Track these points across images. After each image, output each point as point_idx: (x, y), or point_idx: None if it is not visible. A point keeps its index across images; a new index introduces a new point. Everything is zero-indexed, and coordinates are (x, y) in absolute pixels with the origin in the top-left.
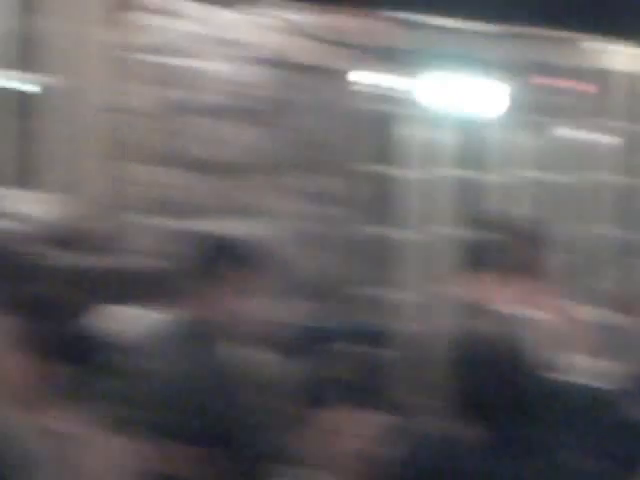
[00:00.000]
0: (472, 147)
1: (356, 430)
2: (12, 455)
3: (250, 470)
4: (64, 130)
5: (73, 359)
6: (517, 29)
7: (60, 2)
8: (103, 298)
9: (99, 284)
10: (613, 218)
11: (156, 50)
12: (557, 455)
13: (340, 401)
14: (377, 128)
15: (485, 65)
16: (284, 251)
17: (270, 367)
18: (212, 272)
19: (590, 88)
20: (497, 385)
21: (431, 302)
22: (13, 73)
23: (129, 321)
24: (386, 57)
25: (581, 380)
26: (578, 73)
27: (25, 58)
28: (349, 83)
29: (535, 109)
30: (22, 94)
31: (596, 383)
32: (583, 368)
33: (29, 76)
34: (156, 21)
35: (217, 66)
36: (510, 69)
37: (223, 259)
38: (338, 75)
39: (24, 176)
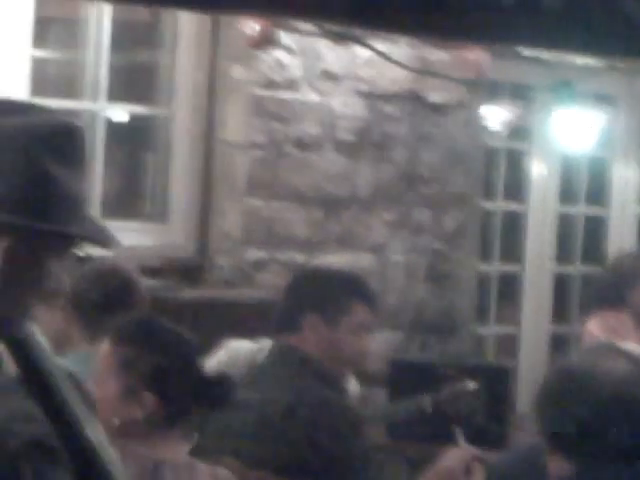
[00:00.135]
0: (594, 183)
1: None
2: None
3: None
4: (191, 165)
5: (189, 394)
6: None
7: (188, 37)
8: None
9: (215, 316)
10: None
11: (283, 86)
12: None
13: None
14: (506, 164)
15: (602, 100)
16: (393, 285)
17: (375, 404)
18: (337, 306)
19: None
20: (629, 427)
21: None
22: (134, 106)
23: (242, 354)
24: (515, 93)
25: None
26: None
27: (148, 91)
28: (478, 118)
29: None
30: (144, 127)
31: None
32: None
33: (153, 109)
34: (284, 57)
35: (341, 102)
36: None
37: (350, 293)
38: (466, 111)
39: (137, 207)
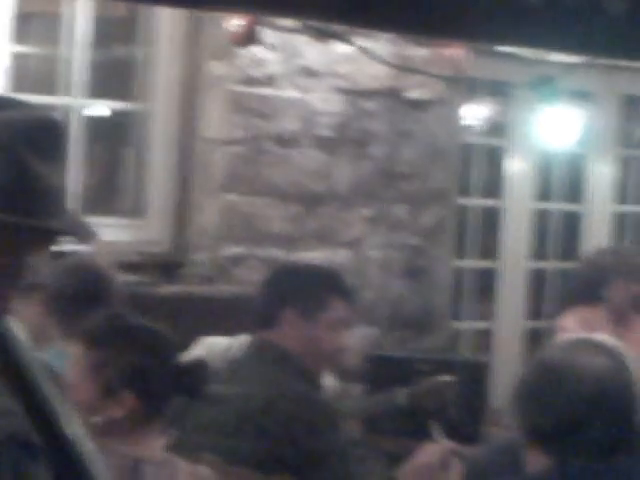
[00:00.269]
0: (571, 180)
1: (450, 463)
2: None
3: None
4: (169, 161)
5: (168, 388)
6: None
7: (167, 33)
8: (194, 326)
9: (193, 312)
10: None
11: (262, 82)
12: None
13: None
14: (483, 161)
15: (580, 97)
16: (370, 280)
17: (352, 398)
18: (315, 302)
19: None
20: (609, 421)
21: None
22: (113, 102)
23: (219, 349)
24: (493, 90)
25: None
26: None
27: (127, 87)
28: (456, 115)
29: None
30: (123, 123)
31: None
32: None
33: (132, 105)
34: (266, 54)
35: (320, 98)
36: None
37: (328, 289)
38: (445, 107)
39: (115, 203)
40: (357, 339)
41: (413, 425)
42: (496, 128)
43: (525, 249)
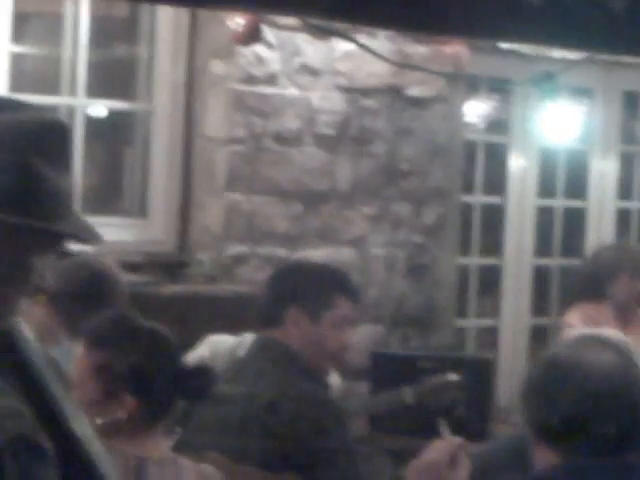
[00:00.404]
0: (574, 176)
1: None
2: None
3: None
4: (170, 160)
5: (170, 390)
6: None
7: (167, 32)
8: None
9: (196, 311)
10: None
11: (263, 81)
12: None
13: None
14: (486, 158)
15: (581, 93)
16: (373, 278)
17: (357, 396)
18: (319, 300)
19: None
20: (617, 418)
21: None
22: (113, 101)
23: (224, 348)
24: (493, 86)
25: None
26: None
27: (127, 86)
28: (457, 112)
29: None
30: (124, 122)
31: None
32: None
33: (134, 105)
34: (266, 53)
35: (321, 96)
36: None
37: (332, 287)
38: (445, 104)
39: (117, 203)
40: (361, 337)
41: (419, 423)
42: (498, 125)
43: (529, 246)
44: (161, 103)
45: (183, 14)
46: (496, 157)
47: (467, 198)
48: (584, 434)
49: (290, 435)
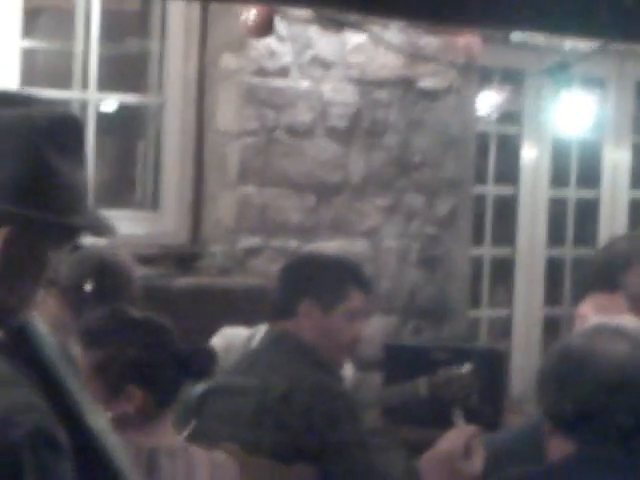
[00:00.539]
0: (587, 166)
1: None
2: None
3: None
4: (183, 153)
5: (174, 377)
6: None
7: (178, 26)
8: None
9: (209, 304)
10: None
11: (274, 73)
12: None
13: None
14: (499, 149)
15: (593, 83)
16: (386, 270)
17: (370, 388)
18: (333, 292)
19: None
20: (631, 408)
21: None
22: (125, 95)
23: (238, 340)
24: (505, 77)
25: None
26: None
27: (139, 80)
28: (469, 103)
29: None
30: (135, 116)
31: None
32: None
33: (146, 98)
34: (278, 45)
35: (332, 88)
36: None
37: (346, 279)
38: (457, 96)
39: (130, 196)
40: (374, 329)
41: (433, 415)
42: (510, 116)
43: (542, 236)
44: (173, 96)
45: (194, 7)
46: (508, 148)
47: (480, 189)
48: (599, 424)
49: (303, 427)
